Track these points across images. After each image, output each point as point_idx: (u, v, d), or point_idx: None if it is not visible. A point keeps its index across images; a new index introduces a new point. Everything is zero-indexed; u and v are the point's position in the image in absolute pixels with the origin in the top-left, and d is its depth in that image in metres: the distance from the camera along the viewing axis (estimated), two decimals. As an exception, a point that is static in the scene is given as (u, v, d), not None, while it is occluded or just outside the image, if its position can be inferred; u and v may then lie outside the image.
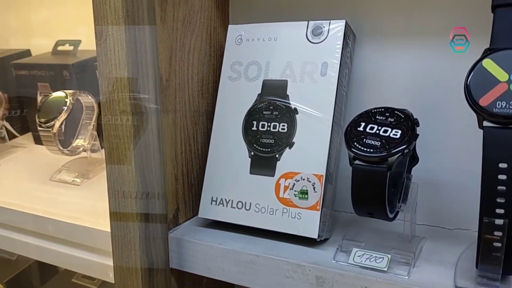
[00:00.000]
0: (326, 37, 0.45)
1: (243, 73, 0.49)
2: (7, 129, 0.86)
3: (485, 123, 0.34)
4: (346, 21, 0.45)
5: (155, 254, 0.46)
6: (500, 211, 0.34)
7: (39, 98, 0.83)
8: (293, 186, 0.44)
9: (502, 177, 0.33)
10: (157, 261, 0.46)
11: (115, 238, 0.46)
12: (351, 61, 0.48)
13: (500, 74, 0.34)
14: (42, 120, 0.67)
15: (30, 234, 0.61)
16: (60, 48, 0.84)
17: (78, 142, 0.72)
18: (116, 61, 0.41)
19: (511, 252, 0.34)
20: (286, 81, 0.46)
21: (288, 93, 0.46)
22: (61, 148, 0.69)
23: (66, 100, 0.68)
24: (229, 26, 0.51)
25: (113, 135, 0.43)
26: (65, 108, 0.68)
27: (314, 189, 0.43)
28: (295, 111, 0.45)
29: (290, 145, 0.45)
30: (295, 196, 0.44)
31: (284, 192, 0.44)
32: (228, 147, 0.48)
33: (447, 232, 0.48)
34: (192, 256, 0.46)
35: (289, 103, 0.46)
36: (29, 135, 0.90)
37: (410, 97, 0.47)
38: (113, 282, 0.47)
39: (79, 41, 0.82)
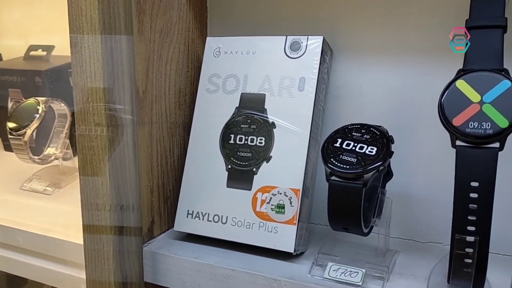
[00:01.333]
0: (304, 52, 0.46)
1: (221, 85, 0.49)
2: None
3: (458, 143, 0.35)
4: (323, 37, 0.46)
5: (129, 268, 0.45)
6: (471, 228, 0.35)
7: (9, 105, 0.80)
8: (270, 200, 0.44)
9: (473, 195, 0.34)
10: (131, 275, 0.46)
11: (88, 251, 0.45)
12: (328, 76, 0.49)
13: (473, 95, 0.35)
14: (13, 127, 0.66)
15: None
16: (32, 53, 0.82)
17: (50, 150, 0.71)
18: (91, 72, 0.40)
19: (481, 268, 0.35)
20: (264, 95, 0.46)
21: (266, 107, 0.46)
22: (32, 156, 0.67)
23: (38, 107, 0.66)
24: (207, 38, 0.50)
25: (87, 146, 0.43)
26: (37, 115, 0.66)
27: (291, 203, 0.43)
28: (273, 125, 0.45)
29: (268, 159, 0.45)
30: (272, 210, 0.44)
31: (261, 206, 0.44)
32: (205, 159, 0.48)
33: (420, 246, 0.48)
34: (167, 270, 0.46)
35: (267, 117, 0.46)
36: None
37: (386, 112, 0.48)
38: (85, 296, 0.46)
39: (53, 47, 0.81)
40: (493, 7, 0.36)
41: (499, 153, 0.34)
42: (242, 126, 0.47)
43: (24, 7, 0.89)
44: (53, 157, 0.71)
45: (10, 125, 0.66)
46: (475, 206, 0.34)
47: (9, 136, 0.67)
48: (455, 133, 0.35)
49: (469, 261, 0.35)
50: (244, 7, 0.54)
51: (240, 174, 0.46)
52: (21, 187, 0.69)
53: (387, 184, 0.45)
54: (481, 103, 0.34)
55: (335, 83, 0.50)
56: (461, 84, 0.35)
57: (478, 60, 0.36)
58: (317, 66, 0.45)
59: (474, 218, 0.34)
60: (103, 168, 0.43)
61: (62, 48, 0.80)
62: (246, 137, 0.46)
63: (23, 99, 0.76)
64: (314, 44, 0.45)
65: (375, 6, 0.48)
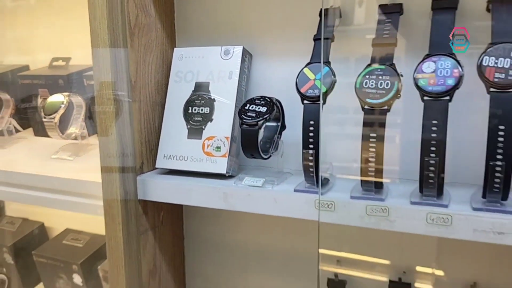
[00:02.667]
0: (232, 56, 0.75)
1: (183, 78, 0.78)
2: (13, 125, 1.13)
3: (306, 102, 0.65)
4: (243, 46, 0.75)
5: (129, 190, 0.75)
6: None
7: (39, 101, 1.10)
8: (212, 144, 0.74)
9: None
10: (130, 194, 0.75)
11: (105, 181, 0.74)
12: (249, 70, 0.78)
13: (311, 75, 0.64)
14: (47, 113, 0.95)
15: (41, 190, 0.88)
16: (55, 63, 1.11)
17: (71, 130, 1.00)
18: (104, 71, 0.70)
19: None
20: (208, 82, 0.76)
21: (209, 89, 0.76)
22: (60, 133, 0.97)
23: (63, 99, 0.96)
24: (175, 49, 0.80)
25: (102, 117, 0.72)
26: (63, 105, 0.96)
27: (224, 145, 0.73)
28: (214, 100, 0.75)
29: (211, 120, 0.75)
30: (213, 150, 0.73)
31: (207, 148, 0.74)
32: (174, 123, 0.77)
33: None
34: (151, 190, 0.75)
35: (210, 95, 0.75)
36: (29, 129, 1.17)
37: (283, 92, 0.77)
38: (98, 231, 0.75)
39: (70, 58, 1.10)
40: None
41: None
42: (195, 101, 0.76)
43: (47, 28, 1.19)
44: (73, 135, 1.00)
45: (45, 112, 0.96)
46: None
47: (44, 120, 0.96)
48: (302, 95, 0.64)
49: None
50: (198, 30, 0.84)
51: (195, 130, 0.75)
52: (51, 156, 0.98)
53: (284, 134, 0.74)
54: (314, 80, 0.64)
55: (254, 74, 0.80)
56: (306, 70, 0.65)
57: (317, 57, 0.65)
58: (239, 64, 0.75)
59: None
60: (111, 130, 0.72)
61: (76, 59, 1.10)
62: (198, 108, 0.76)
63: (49, 95, 1.05)
64: (237, 51, 0.75)
65: (279, 27, 0.78)
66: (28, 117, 1.15)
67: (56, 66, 1.11)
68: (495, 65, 0.55)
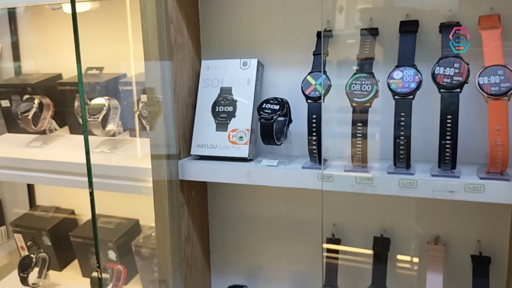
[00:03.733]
0: (249, 66, 0.97)
1: (210, 84, 1.00)
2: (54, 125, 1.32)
3: (309, 101, 0.87)
4: (257, 59, 0.97)
5: (172, 172, 0.96)
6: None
7: (76, 104, 1.29)
8: (236, 135, 0.95)
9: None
10: (173, 175, 0.96)
11: (154, 166, 0.94)
12: (262, 77, 1.00)
13: (312, 81, 0.87)
14: (92, 114, 1.15)
15: (98, 177, 1.08)
16: (89, 72, 1.31)
17: (110, 127, 1.20)
18: (154, 79, 0.91)
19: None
20: (231, 87, 0.98)
21: (232, 92, 0.98)
22: (102, 130, 1.17)
23: (105, 103, 1.16)
24: (203, 61, 1.02)
25: (152, 116, 0.93)
26: (105, 107, 1.16)
27: (245, 135, 0.95)
28: (236, 101, 0.97)
29: (234, 116, 0.96)
30: (237, 139, 0.95)
31: (232, 138, 0.96)
32: (204, 119, 0.99)
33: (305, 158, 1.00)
34: (188, 171, 0.96)
35: (233, 97, 0.97)
36: (65, 128, 1.36)
37: (288, 94, 0.99)
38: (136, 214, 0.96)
39: (103, 68, 1.30)
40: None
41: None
42: (221, 102, 0.98)
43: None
44: (112, 132, 1.20)
45: (89, 113, 1.16)
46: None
47: (89, 119, 1.16)
48: (307, 97, 0.86)
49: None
50: (219, 46, 1.05)
51: (222, 124, 0.97)
52: (94, 150, 1.18)
53: (291, 126, 0.96)
54: (315, 84, 0.86)
55: (266, 81, 1.02)
56: (309, 77, 0.87)
57: (318, 67, 0.87)
58: (255, 73, 0.97)
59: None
60: (159, 125, 0.93)
61: (108, 68, 1.30)
62: (223, 107, 0.98)
63: (89, 100, 1.25)
64: (253, 62, 0.97)
65: (285, 44, 1.00)
66: (66, 118, 1.34)
67: (91, 74, 1.31)
68: (444, 73, 0.78)
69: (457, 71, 0.78)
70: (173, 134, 0.95)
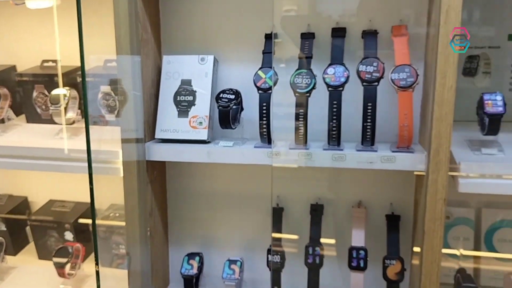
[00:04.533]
0: (206, 62, 1.13)
1: (172, 76, 1.14)
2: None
3: (260, 92, 1.05)
4: (214, 56, 1.13)
5: (140, 153, 1.09)
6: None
7: (34, 94, 1.36)
8: (196, 120, 1.11)
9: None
10: (140, 156, 1.09)
11: (124, 148, 1.07)
12: (217, 72, 1.16)
13: (263, 75, 1.05)
14: (53, 103, 1.24)
15: (60, 160, 1.17)
16: (45, 64, 1.38)
17: (69, 115, 1.29)
18: (125, 70, 1.04)
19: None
20: (191, 79, 1.13)
21: (192, 84, 1.13)
22: (63, 118, 1.26)
23: (67, 92, 1.25)
24: (164, 56, 1.16)
25: (123, 103, 1.05)
26: (67, 97, 1.25)
27: (204, 121, 1.10)
28: (195, 91, 1.12)
29: (194, 104, 1.12)
30: (197, 124, 1.11)
31: (192, 123, 1.11)
32: (167, 107, 1.13)
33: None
34: (154, 153, 1.10)
35: (193, 88, 1.12)
36: (21, 117, 1.42)
37: (239, 86, 1.15)
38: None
39: (58, 60, 1.38)
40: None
41: (272, 94, 1.04)
42: (182, 92, 1.13)
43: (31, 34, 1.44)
44: (71, 120, 1.29)
45: (51, 102, 1.24)
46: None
47: (51, 108, 1.24)
48: (259, 89, 1.04)
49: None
50: (178, 43, 1.20)
51: (183, 112, 1.12)
52: (54, 136, 1.27)
53: (243, 114, 1.13)
54: (265, 78, 1.04)
55: (221, 74, 1.18)
56: (260, 72, 1.05)
57: (268, 63, 1.05)
58: (211, 68, 1.12)
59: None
60: (128, 112, 1.06)
61: (64, 61, 1.38)
62: (184, 97, 1.12)
63: (46, 91, 1.33)
64: (210, 58, 1.13)
65: (237, 43, 1.17)
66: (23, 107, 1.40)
67: (47, 66, 1.38)
68: (365, 70, 1.00)
69: (375, 68, 1.00)
70: (140, 120, 1.08)
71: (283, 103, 1.07)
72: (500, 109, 0.95)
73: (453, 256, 1.18)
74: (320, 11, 1.13)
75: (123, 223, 1.12)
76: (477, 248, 1.18)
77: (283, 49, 1.13)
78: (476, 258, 1.18)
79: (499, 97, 0.96)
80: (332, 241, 1.17)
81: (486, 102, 0.97)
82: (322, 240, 1.13)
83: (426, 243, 0.94)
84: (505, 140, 1.01)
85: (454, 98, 0.89)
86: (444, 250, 1.11)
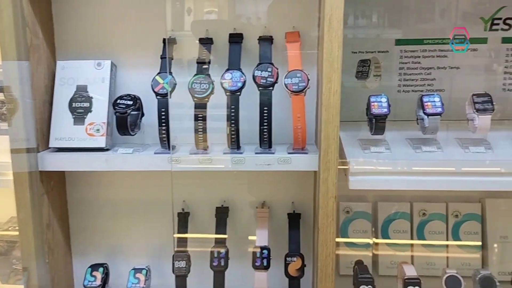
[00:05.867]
0: (103, 67, 1.10)
1: (66, 82, 1.10)
2: None
3: (159, 97, 1.04)
4: (111, 61, 1.11)
5: (32, 164, 1.03)
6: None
7: None
8: (93, 127, 1.08)
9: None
10: (33, 167, 1.04)
11: (14, 159, 1.01)
12: (115, 77, 1.14)
13: (161, 80, 1.04)
14: None
15: None
16: None
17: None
18: (12, 78, 0.98)
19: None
20: (87, 85, 1.09)
21: (88, 90, 1.09)
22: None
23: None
24: (58, 61, 1.11)
25: (11, 112, 1.00)
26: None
27: (102, 127, 1.08)
28: (91, 97, 1.09)
29: (91, 111, 1.08)
30: (94, 131, 1.07)
31: (89, 130, 1.07)
32: (61, 114, 1.08)
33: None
34: (48, 163, 1.05)
35: (89, 94, 1.09)
36: None
37: (140, 91, 1.13)
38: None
39: None
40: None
41: (170, 99, 1.04)
42: (78, 99, 1.09)
43: None
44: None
45: None
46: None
47: None
48: (156, 94, 1.03)
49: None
50: (73, 48, 1.16)
51: (79, 119, 1.08)
52: None
53: (144, 118, 1.11)
54: (164, 83, 1.04)
55: (119, 78, 1.16)
56: (158, 77, 1.05)
57: (164, 69, 1.05)
58: (109, 72, 1.10)
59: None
60: (18, 121, 1.00)
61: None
62: (80, 103, 1.09)
63: None
64: (107, 63, 1.10)
65: (135, 48, 1.15)
66: None
67: None
68: (261, 75, 1.03)
69: (270, 74, 1.03)
70: (32, 128, 1.03)
71: (183, 108, 1.08)
72: (385, 110, 1.03)
73: (354, 247, 1.25)
74: (219, 16, 1.15)
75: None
76: (375, 239, 1.26)
77: (181, 54, 1.13)
78: (375, 249, 1.26)
79: (384, 99, 1.04)
80: (238, 242, 1.19)
81: (372, 104, 1.03)
82: (228, 242, 1.14)
83: (320, 239, 0.99)
84: (394, 138, 1.09)
85: (340, 101, 0.94)
86: (343, 240, 1.18)
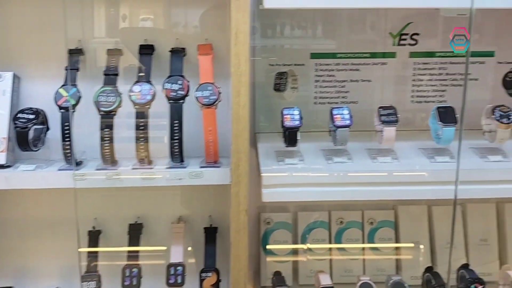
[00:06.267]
0: (4, 79, 1.04)
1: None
2: None
3: (62, 111, 0.99)
4: (13, 72, 1.04)
5: None
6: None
7: None
8: (-9, 143, 1.01)
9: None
10: None
11: None
12: (18, 89, 1.07)
13: (64, 93, 0.99)
14: None
15: None
16: None
17: None
18: None
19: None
20: (-15, 98, 1.03)
21: (-14, 103, 1.03)
22: None
23: None
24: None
25: None
26: None
27: (2, 143, 1.01)
28: (-10, 111, 1.02)
29: (-11, 126, 1.02)
30: None
31: None
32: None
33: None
34: None
35: (-13, 108, 1.02)
36: None
37: (46, 104, 1.07)
38: None
39: None
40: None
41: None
42: None
43: None
44: None
45: None
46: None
47: None
48: (59, 107, 0.99)
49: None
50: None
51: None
52: None
53: (49, 132, 1.06)
54: (68, 97, 0.99)
55: (25, 91, 1.09)
56: (61, 90, 1.00)
57: (74, 79, 1.00)
58: (11, 85, 1.04)
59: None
60: None
61: None
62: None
63: None
64: (8, 75, 1.04)
65: (40, 59, 1.09)
66: None
67: None
68: (171, 88, 1.01)
69: (180, 86, 1.01)
70: None
71: (91, 122, 1.03)
72: (297, 122, 1.04)
73: (275, 257, 1.25)
74: (128, 26, 1.12)
75: None
76: (295, 249, 1.27)
77: (89, 66, 1.09)
78: (295, 259, 1.27)
79: (296, 112, 1.05)
80: (152, 259, 1.16)
81: (285, 116, 1.04)
82: (142, 260, 1.11)
83: (232, 253, 0.98)
84: (309, 149, 1.10)
85: (248, 115, 0.94)
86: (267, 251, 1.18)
